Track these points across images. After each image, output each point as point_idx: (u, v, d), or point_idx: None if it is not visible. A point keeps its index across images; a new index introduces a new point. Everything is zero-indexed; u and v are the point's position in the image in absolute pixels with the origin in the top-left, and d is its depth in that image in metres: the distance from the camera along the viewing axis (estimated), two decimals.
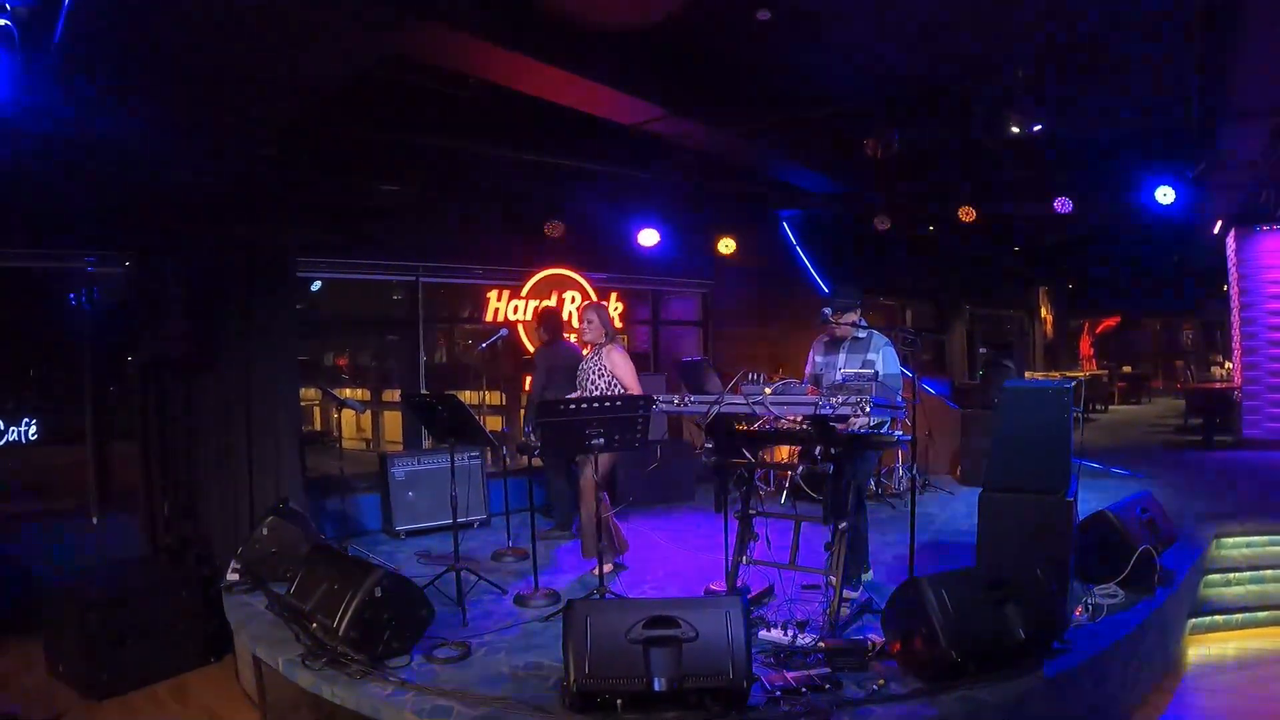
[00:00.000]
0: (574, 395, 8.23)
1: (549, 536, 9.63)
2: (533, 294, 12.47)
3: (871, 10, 8.34)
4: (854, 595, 6.98)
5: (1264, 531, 9.32)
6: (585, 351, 8.59)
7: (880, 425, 6.62)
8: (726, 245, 13.96)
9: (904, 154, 10.66)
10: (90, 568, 7.68)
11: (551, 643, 6.17)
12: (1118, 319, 34.92)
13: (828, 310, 7.40)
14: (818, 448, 6.51)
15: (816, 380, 7.40)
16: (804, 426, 6.45)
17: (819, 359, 7.68)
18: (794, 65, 9.54)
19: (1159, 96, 10.35)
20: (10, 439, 9.21)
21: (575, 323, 12.21)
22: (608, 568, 7.76)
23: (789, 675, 5.42)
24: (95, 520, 9.02)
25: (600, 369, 8.31)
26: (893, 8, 8.31)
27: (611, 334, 8.50)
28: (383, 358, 16.94)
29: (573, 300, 12.79)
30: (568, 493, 9.68)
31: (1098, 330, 34.89)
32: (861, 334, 7.51)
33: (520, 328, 12.06)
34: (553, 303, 12.53)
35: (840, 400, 6.07)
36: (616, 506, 8.62)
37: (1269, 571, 8.85)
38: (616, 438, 6.67)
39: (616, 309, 13.57)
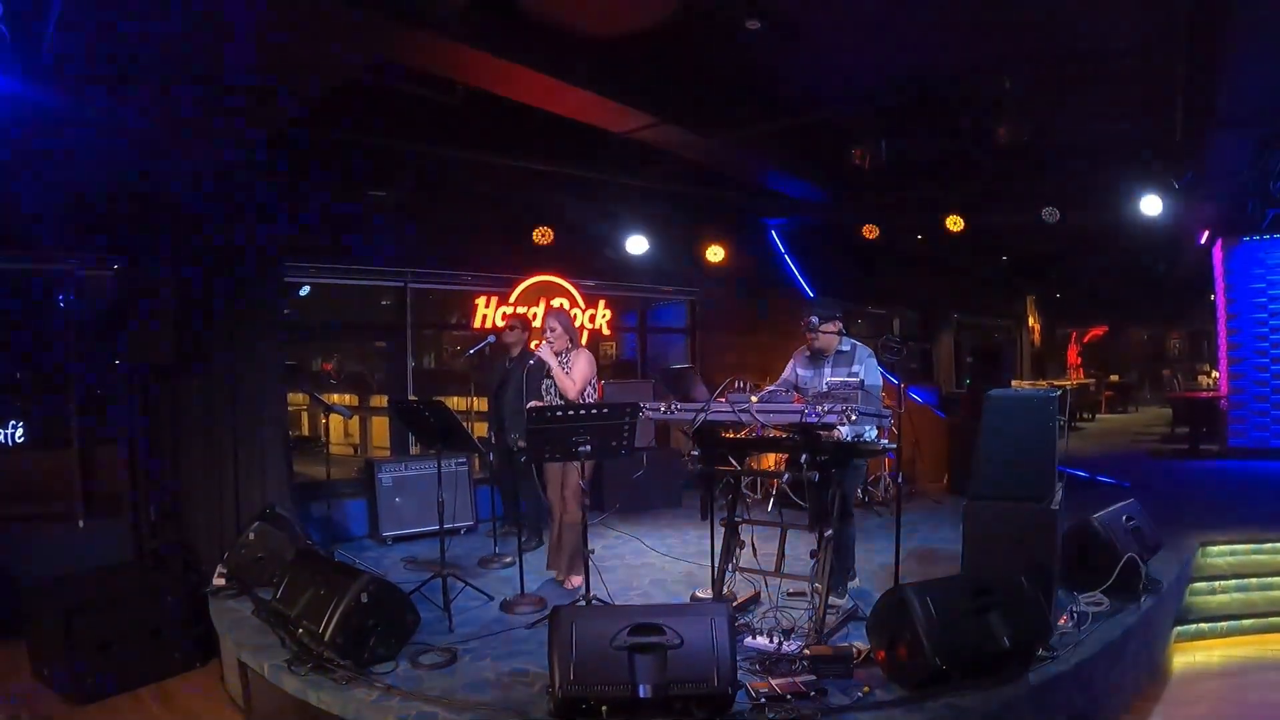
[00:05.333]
0: (535, 404, 8.21)
1: (529, 548, 9.58)
2: (521, 300, 12.46)
3: (860, 22, 8.36)
4: (840, 603, 7.00)
5: (1249, 540, 9.36)
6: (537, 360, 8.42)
7: (861, 435, 6.62)
8: (715, 253, 13.98)
9: (892, 163, 10.68)
10: (75, 572, 7.65)
11: (537, 649, 6.18)
12: (1105, 328, 35.02)
13: (814, 319, 7.41)
14: (804, 456, 6.52)
15: (802, 391, 7.42)
16: (790, 435, 6.47)
17: (802, 372, 7.68)
18: (783, 74, 9.57)
19: (1146, 107, 10.38)
20: None
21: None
22: (577, 580, 7.74)
23: (774, 682, 5.44)
24: (81, 524, 9.00)
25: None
26: (881, 20, 8.32)
27: (576, 340, 8.39)
28: (371, 363, 16.93)
29: (561, 307, 12.78)
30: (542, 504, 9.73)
31: (1085, 339, 34.94)
32: (846, 347, 7.53)
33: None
34: (540, 309, 12.51)
35: (826, 409, 6.09)
36: (600, 515, 8.59)
37: (1254, 580, 8.89)
38: (603, 445, 6.69)
39: (605, 316, 13.57)
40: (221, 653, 7.30)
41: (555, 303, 12.78)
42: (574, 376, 8.08)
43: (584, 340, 10.51)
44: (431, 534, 9.10)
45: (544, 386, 8.30)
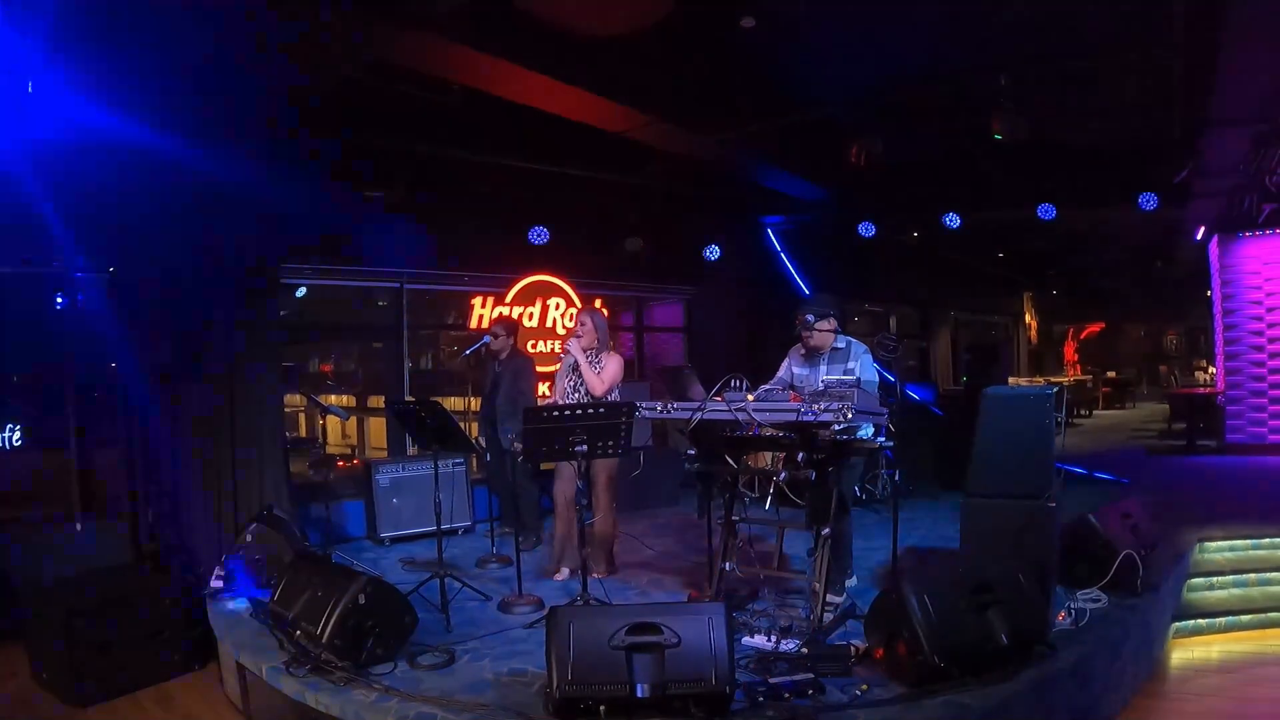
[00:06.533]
0: (550, 402, 8.25)
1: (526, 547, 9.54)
2: (517, 300, 12.47)
3: (855, 19, 8.36)
4: (837, 600, 6.99)
5: (1246, 535, 9.35)
6: (570, 355, 8.45)
7: (856, 429, 6.61)
8: (711, 251, 14.01)
9: (888, 161, 10.68)
10: (74, 574, 7.64)
11: (535, 649, 6.18)
12: (1102, 325, 35.03)
13: (810, 317, 7.40)
14: (801, 454, 6.52)
15: (798, 389, 7.41)
16: (787, 433, 6.46)
17: (797, 370, 7.67)
18: (779, 73, 9.57)
19: (1143, 103, 10.39)
20: None
21: (560, 329, 12.26)
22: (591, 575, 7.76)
23: (772, 680, 5.43)
24: (79, 527, 8.98)
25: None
26: (876, 18, 8.33)
27: (606, 342, 8.43)
28: (367, 364, 16.91)
29: (557, 307, 12.80)
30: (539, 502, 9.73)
31: (1082, 336, 35.00)
32: (841, 343, 7.52)
33: None
34: (536, 309, 12.52)
35: (822, 407, 6.08)
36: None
37: (1251, 575, 8.88)
38: (600, 444, 6.69)
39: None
40: (220, 655, 7.29)
41: (552, 301, 12.80)
42: (603, 376, 8.10)
43: None
44: (429, 535, 9.09)
45: (571, 384, 8.30)
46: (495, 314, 12.13)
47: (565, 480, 8.25)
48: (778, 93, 10.19)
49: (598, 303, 13.50)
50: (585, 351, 8.20)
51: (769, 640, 6.16)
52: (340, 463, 12.16)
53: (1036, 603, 5.99)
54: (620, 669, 4.98)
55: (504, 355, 9.72)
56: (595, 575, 7.82)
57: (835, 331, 7.51)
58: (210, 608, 7.61)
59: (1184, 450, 16.76)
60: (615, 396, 8.22)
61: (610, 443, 6.75)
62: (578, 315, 8.55)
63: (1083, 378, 28.47)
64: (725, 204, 14.02)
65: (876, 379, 7.46)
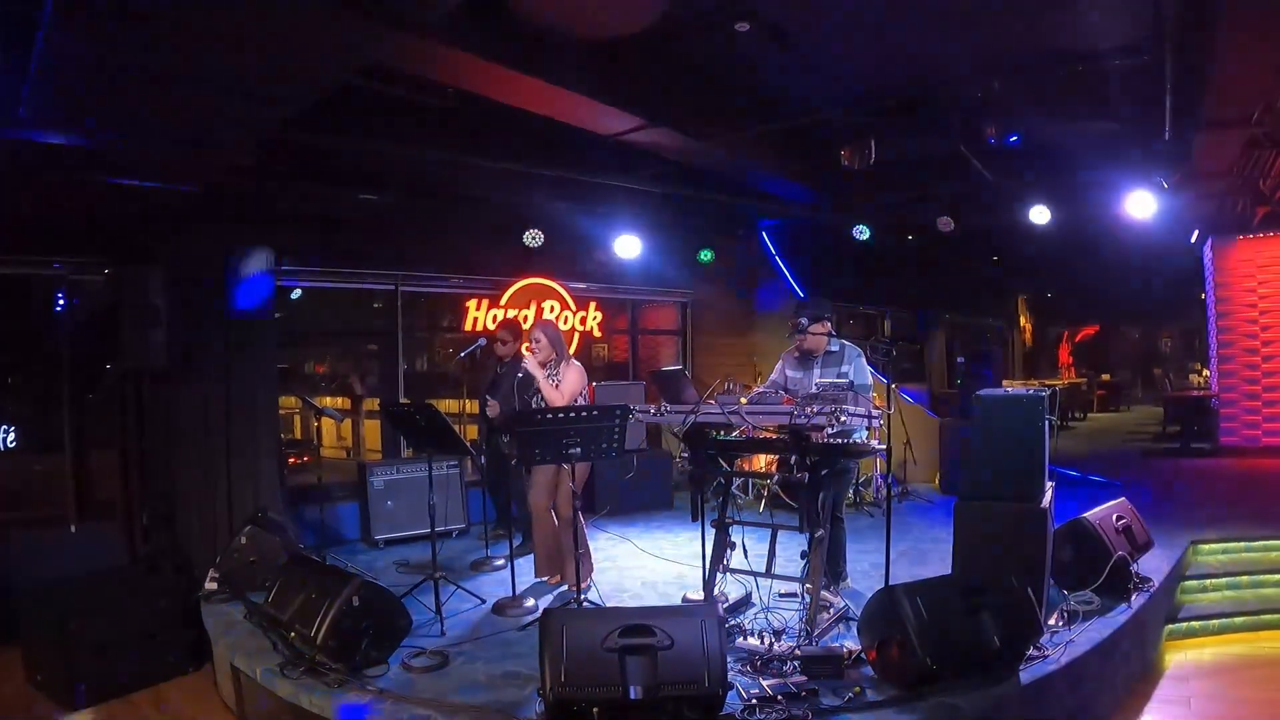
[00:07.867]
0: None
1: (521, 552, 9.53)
2: (511, 303, 12.46)
3: (848, 24, 8.37)
4: (831, 603, 7.00)
5: (1240, 538, 9.39)
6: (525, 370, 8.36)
7: (850, 433, 6.62)
8: (705, 254, 14.02)
9: (881, 164, 10.69)
10: (69, 577, 7.65)
11: (529, 651, 6.18)
12: (1096, 327, 35.06)
13: (804, 320, 7.42)
14: (794, 457, 6.54)
15: (791, 392, 7.42)
16: (780, 436, 6.48)
17: (791, 373, 7.68)
18: (773, 76, 9.57)
19: (1134, 106, 10.40)
20: None
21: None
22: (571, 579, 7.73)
23: (765, 683, 5.45)
24: (74, 529, 8.99)
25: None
26: (869, 22, 8.34)
27: (563, 353, 8.21)
28: (362, 366, 16.92)
29: (552, 310, 12.80)
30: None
31: (1076, 338, 35.03)
32: (835, 347, 7.53)
33: None
34: (531, 312, 12.51)
35: (815, 410, 6.10)
36: (591, 518, 8.54)
37: (1245, 578, 8.90)
38: (593, 447, 6.69)
39: (595, 318, 13.58)
40: (214, 657, 7.30)
41: (547, 304, 12.79)
42: (562, 390, 7.98)
43: (575, 343, 10.47)
44: (423, 537, 9.12)
45: (534, 401, 8.26)
46: (491, 316, 12.14)
47: (540, 488, 8.18)
48: (772, 96, 10.20)
49: (592, 305, 13.52)
50: (544, 366, 8.10)
51: (762, 643, 6.18)
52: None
53: (1029, 605, 6.00)
54: (613, 671, 4.98)
55: (511, 358, 9.70)
56: (589, 578, 7.83)
57: (829, 335, 7.53)
58: (205, 610, 7.62)
59: (1178, 453, 16.79)
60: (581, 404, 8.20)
61: (604, 446, 6.75)
62: (529, 331, 8.41)
63: (1077, 380, 28.52)
64: (720, 207, 14.00)
65: (871, 382, 7.47)
